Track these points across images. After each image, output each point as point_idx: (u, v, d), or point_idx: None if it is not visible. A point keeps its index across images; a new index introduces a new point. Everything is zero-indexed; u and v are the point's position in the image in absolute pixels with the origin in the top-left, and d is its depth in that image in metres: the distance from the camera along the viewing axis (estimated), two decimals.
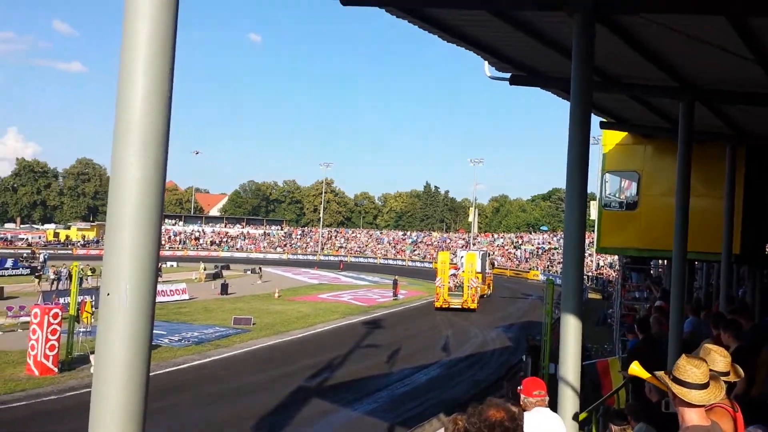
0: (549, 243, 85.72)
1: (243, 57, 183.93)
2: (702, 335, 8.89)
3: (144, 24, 2.10)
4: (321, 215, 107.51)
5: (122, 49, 2.13)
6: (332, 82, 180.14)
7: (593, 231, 19.48)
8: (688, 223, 9.26)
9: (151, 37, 2.11)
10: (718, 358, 3.60)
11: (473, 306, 38.72)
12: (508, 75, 9.54)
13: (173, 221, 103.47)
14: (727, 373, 3.57)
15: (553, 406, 5.75)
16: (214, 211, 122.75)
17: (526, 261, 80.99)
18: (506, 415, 2.44)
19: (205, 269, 53.15)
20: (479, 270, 44.38)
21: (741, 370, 3.56)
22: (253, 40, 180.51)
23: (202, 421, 15.09)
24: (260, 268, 56.73)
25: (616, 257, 33.45)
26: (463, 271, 40.40)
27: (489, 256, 54.23)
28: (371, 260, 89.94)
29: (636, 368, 3.45)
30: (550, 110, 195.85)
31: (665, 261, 21.35)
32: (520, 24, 6.99)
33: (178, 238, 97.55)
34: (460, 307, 38.27)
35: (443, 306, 38.43)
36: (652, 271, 20.90)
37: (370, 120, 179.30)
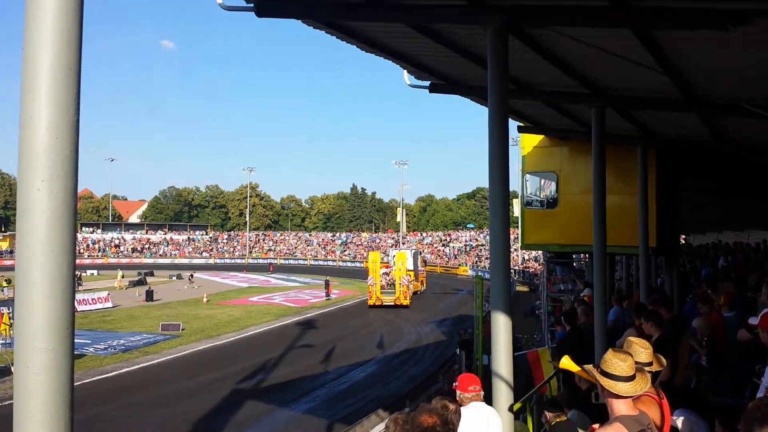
0: (476, 240, 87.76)
1: (157, 63, 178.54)
2: (626, 323, 9.45)
3: (47, 26, 2.04)
4: (247, 219, 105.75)
5: (25, 52, 2.06)
6: (251, 86, 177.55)
7: (517, 228, 20.24)
8: (605, 220, 9.82)
9: (55, 40, 2.04)
10: (640, 350, 3.72)
11: (406, 302, 39.73)
12: (427, 83, 9.82)
13: (91, 229, 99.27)
14: (650, 363, 3.71)
15: (488, 397, 6.02)
16: (134, 218, 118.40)
17: (455, 257, 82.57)
18: (439, 420, 2.55)
19: (123, 276, 51.38)
20: (411, 268, 45.81)
21: (663, 360, 3.79)
22: (165, 47, 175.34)
23: (132, 430, 14.76)
24: (192, 275, 55.14)
25: (541, 252, 34.71)
26: (395, 270, 41.27)
27: (420, 254, 55.23)
28: (301, 262, 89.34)
29: (566, 362, 3.62)
30: (471, 113, 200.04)
31: (587, 255, 22.42)
32: (437, 36, 7.23)
33: (97, 246, 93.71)
34: (392, 304, 39.21)
35: (376, 303, 39.33)
36: (575, 264, 21.88)
37: (293, 123, 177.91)
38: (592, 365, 3.41)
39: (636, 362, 3.36)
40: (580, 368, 3.52)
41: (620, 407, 3.25)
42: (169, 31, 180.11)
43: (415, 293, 45.52)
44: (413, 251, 51.90)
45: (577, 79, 8.18)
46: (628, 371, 3.23)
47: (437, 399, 4.47)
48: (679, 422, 4.93)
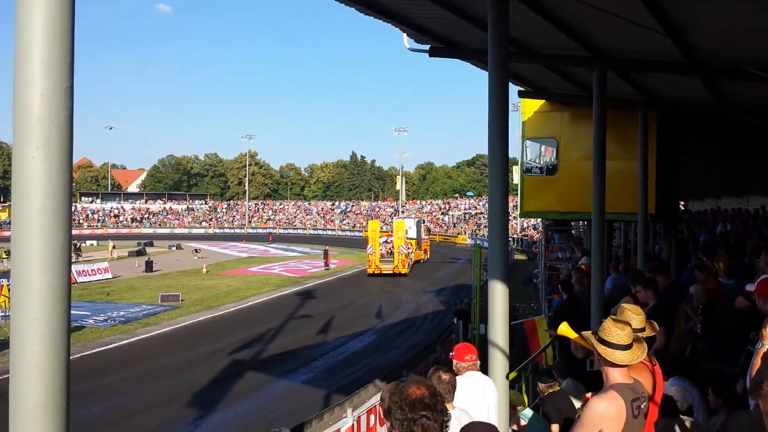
0: (475, 208, 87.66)
1: (154, 28, 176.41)
2: (623, 291, 9.37)
3: None
4: (247, 188, 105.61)
5: (17, 15, 2.01)
6: (250, 52, 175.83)
7: (516, 195, 20.09)
8: (605, 186, 9.70)
9: (47, 3, 2.01)
10: (633, 315, 3.74)
11: (404, 271, 40.10)
12: (427, 47, 9.61)
13: (90, 199, 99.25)
14: (642, 329, 3.73)
15: (485, 367, 5.99)
16: (133, 188, 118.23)
17: (454, 226, 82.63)
18: (427, 392, 2.49)
19: (114, 247, 51.01)
20: (414, 236, 46.56)
21: (656, 325, 3.79)
22: (162, 11, 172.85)
23: (134, 401, 14.80)
24: (197, 250, 54.40)
25: (540, 220, 34.65)
26: (394, 238, 41.62)
27: (423, 222, 55.85)
28: (301, 231, 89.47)
29: (564, 329, 3.65)
30: (472, 78, 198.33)
31: (585, 222, 22.33)
32: None
33: (96, 216, 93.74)
34: (391, 272, 39.51)
35: (375, 272, 39.66)
36: (573, 232, 21.77)
37: (291, 91, 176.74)
38: (590, 332, 3.40)
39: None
40: (578, 335, 3.53)
41: (615, 375, 3.25)
42: None
43: (417, 262, 46.04)
44: (416, 220, 52.20)
45: (578, 41, 7.97)
46: (626, 340, 3.22)
47: (433, 368, 4.45)
48: (673, 390, 4.88)
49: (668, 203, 15.54)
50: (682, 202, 30.27)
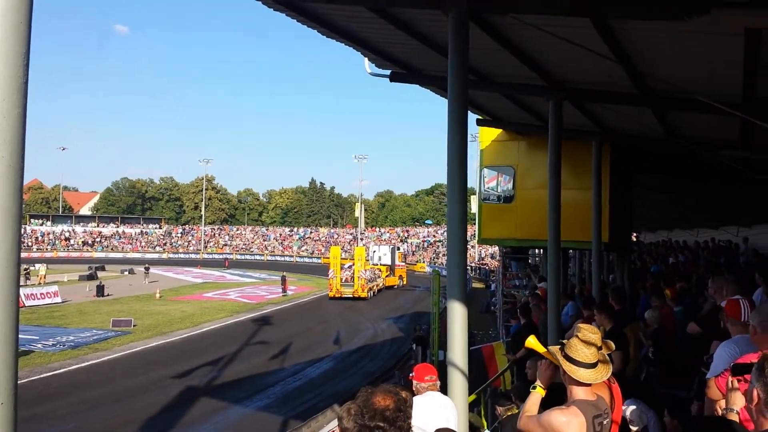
0: (434, 236, 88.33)
1: (110, 48, 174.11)
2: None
3: None
4: (203, 213, 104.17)
5: None
6: (208, 74, 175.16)
7: (474, 224, 20.34)
8: (560, 214, 9.91)
9: (2, 22, 1.92)
10: (590, 335, 3.64)
11: (364, 295, 41.53)
12: (388, 72, 9.75)
13: (40, 221, 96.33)
14: (599, 348, 3.84)
15: (444, 390, 6.00)
16: (85, 210, 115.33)
17: (413, 254, 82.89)
18: (393, 404, 2.40)
19: (46, 271, 47.89)
20: (389, 263, 49.84)
21: (612, 344, 3.86)
22: (119, 31, 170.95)
23: (83, 428, 14.32)
24: (148, 267, 53.93)
25: (497, 248, 35.09)
26: (354, 264, 43.03)
27: (398, 249, 57.51)
28: (258, 257, 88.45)
29: (533, 341, 3.68)
30: (432, 108, 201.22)
31: (541, 250, 22.71)
32: (399, 22, 7.16)
33: (46, 239, 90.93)
34: (351, 296, 40.95)
35: (336, 296, 41.10)
36: (530, 260, 22.12)
37: (250, 115, 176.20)
38: (557, 347, 3.44)
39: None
40: (545, 349, 3.57)
41: (578, 392, 3.30)
42: (122, 16, 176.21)
43: (391, 287, 48.42)
44: (391, 247, 55.11)
45: (536, 70, 8.20)
46: (591, 359, 3.27)
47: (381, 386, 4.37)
48: (629, 411, 4.98)
49: (621, 233, 15.95)
50: (635, 234, 31.14)
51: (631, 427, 4.90)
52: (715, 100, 6.39)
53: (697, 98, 6.60)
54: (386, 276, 49.26)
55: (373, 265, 49.72)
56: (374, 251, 52.76)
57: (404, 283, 51.73)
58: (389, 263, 50.51)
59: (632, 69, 6.93)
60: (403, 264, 55.29)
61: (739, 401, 3.00)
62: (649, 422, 5.25)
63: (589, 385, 3.30)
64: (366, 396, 2.45)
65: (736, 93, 6.71)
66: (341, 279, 42.39)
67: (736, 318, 4.43)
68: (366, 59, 9.27)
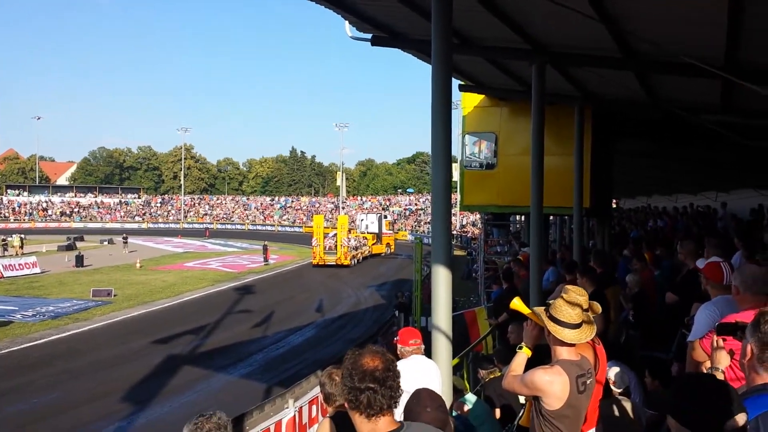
0: (415, 204, 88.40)
1: (87, 16, 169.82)
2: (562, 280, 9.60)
3: None
4: (182, 182, 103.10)
5: None
6: (185, 41, 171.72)
7: (456, 191, 20.35)
8: (543, 179, 9.91)
9: None
10: (577, 296, 3.65)
11: (346, 262, 42.11)
12: (369, 36, 9.55)
13: (16, 192, 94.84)
14: (586, 310, 3.85)
15: (428, 355, 6.01)
16: (62, 180, 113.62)
17: (395, 222, 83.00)
18: (381, 364, 2.39)
19: (19, 241, 46.84)
20: (375, 231, 50.76)
21: (598, 306, 3.85)
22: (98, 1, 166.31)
23: (64, 397, 14.18)
24: (126, 237, 53.69)
25: (479, 216, 35.25)
26: (337, 232, 43.61)
27: (386, 217, 58.31)
28: (239, 227, 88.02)
29: (517, 303, 3.67)
30: (412, 76, 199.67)
31: (523, 216, 22.83)
32: None
33: (23, 210, 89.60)
34: (334, 263, 41.49)
35: (320, 263, 41.66)
36: (511, 227, 22.24)
37: (230, 83, 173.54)
38: (542, 308, 3.44)
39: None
40: (530, 310, 3.57)
41: (562, 352, 3.31)
42: None
43: (378, 255, 49.38)
44: (378, 215, 55.97)
45: (519, 33, 8.10)
46: (575, 319, 3.27)
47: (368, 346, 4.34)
48: (612, 373, 5.03)
49: (602, 199, 16.05)
50: (615, 200, 31.41)
51: (612, 388, 4.94)
52: (697, 60, 6.34)
53: (679, 59, 6.55)
54: (373, 244, 49.81)
55: (361, 233, 50.17)
56: (362, 219, 53.41)
57: (392, 250, 52.37)
58: (376, 231, 51.16)
59: (616, 30, 6.85)
60: (391, 232, 56.01)
61: (723, 360, 3.01)
62: (630, 383, 5.31)
63: (573, 345, 3.31)
64: (354, 358, 2.42)
65: (718, 55, 6.68)
66: (325, 247, 42.75)
67: (717, 281, 4.46)
68: (347, 23, 9.06)
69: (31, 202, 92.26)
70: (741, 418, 1.86)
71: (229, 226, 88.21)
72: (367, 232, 50.91)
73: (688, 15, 5.76)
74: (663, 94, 10.45)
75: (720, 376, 2.99)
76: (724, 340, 3.03)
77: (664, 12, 5.94)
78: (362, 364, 2.38)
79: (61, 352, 18.32)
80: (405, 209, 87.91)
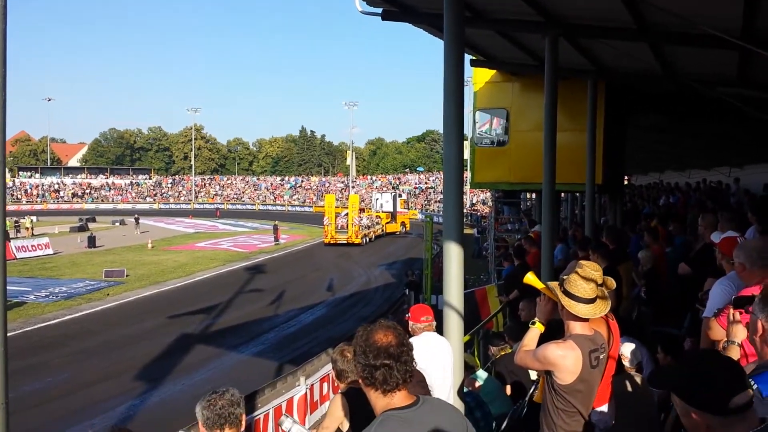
0: (425, 183, 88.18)
1: None
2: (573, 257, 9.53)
3: None
4: (192, 162, 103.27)
5: None
6: (194, 21, 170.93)
7: (467, 169, 20.19)
8: (555, 155, 9.77)
9: None
10: (591, 272, 3.61)
11: (357, 241, 42.49)
12: (379, 10, 9.38)
13: (29, 173, 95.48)
14: (601, 285, 3.79)
15: (439, 332, 5.98)
16: (74, 162, 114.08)
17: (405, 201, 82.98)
18: (395, 340, 2.35)
19: (30, 223, 47.29)
20: (390, 210, 51.18)
21: (613, 282, 3.79)
22: None
23: (78, 376, 14.38)
24: (138, 217, 54.02)
25: (489, 194, 35.11)
26: (348, 212, 43.88)
27: (400, 196, 58.89)
28: (249, 207, 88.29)
29: (531, 278, 3.62)
30: (422, 54, 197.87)
31: (533, 194, 22.67)
32: None
33: (35, 192, 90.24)
34: (345, 242, 41.91)
35: (331, 242, 42.10)
36: (521, 205, 22.10)
37: (239, 63, 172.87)
38: (556, 283, 3.39)
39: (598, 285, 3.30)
40: (543, 285, 3.53)
41: (576, 327, 3.27)
42: None
43: (393, 233, 49.52)
44: (393, 194, 55.76)
45: (531, 5, 7.92)
46: (590, 294, 3.22)
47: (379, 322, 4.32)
48: (625, 348, 4.98)
49: (614, 175, 15.87)
50: (627, 176, 31.14)
51: (625, 363, 4.90)
52: (714, 30, 6.18)
53: (695, 29, 6.38)
54: (387, 223, 49.94)
55: (375, 212, 50.50)
56: (377, 198, 54.01)
57: (407, 229, 52.30)
58: (391, 210, 51.46)
59: (630, 0, 6.69)
60: (406, 210, 56.33)
61: (740, 333, 2.94)
62: (643, 359, 5.27)
63: (586, 320, 3.26)
64: (366, 335, 2.37)
65: (735, 24, 6.50)
66: (336, 226, 43.10)
67: (732, 255, 4.37)
68: None
69: (43, 184, 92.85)
70: (747, 395, 1.81)
71: (239, 206, 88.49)
72: (382, 211, 51.00)
73: None
74: (678, 67, 10.24)
75: (735, 350, 2.94)
76: (741, 313, 2.97)
77: None
78: (375, 341, 2.33)
79: (74, 332, 18.53)
80: (415, 188, 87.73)
